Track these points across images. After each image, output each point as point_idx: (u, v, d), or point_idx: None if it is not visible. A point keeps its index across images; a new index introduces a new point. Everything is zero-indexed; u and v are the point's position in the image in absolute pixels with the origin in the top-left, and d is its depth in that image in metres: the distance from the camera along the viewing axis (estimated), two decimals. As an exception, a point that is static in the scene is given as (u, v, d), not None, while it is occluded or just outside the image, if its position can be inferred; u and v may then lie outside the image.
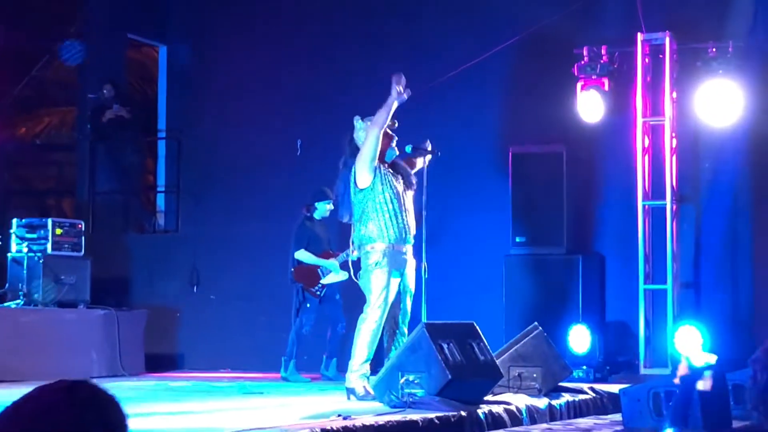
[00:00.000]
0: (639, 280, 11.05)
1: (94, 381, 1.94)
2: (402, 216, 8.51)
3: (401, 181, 8.60)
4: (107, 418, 1.88)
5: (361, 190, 8.48)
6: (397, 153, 8.65)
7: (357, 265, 8.69)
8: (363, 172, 8.45)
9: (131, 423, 1.98)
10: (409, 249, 8.62)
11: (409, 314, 8.65)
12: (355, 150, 8.59)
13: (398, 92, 8.36)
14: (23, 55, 15.30)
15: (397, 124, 8.64)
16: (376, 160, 8.46)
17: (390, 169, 8.60)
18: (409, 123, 8.96)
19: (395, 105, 8.38)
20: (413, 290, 8.66)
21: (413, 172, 8.78)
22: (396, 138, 8.63)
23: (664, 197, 11.10)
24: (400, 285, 8.57)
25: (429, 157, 8.80)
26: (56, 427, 1.82)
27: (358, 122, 8.72)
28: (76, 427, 1.83)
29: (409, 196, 8.65)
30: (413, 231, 8.60)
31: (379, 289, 8.44)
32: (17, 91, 15.69)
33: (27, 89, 15.93)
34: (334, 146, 10.66)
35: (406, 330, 8.56)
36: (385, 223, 8.48)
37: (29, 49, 15.35)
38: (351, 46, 12.97)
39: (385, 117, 8.39)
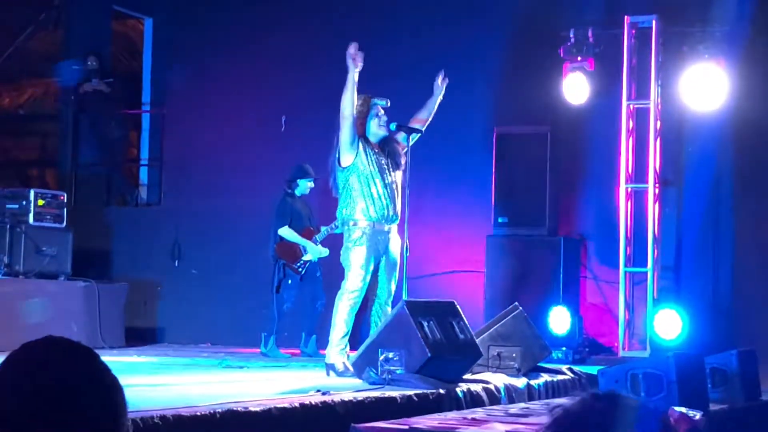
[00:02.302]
0: (620, 263, 11.08)
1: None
2: (385, 195, 8.56)
3: (387, 161, 8.64)
4: (92, 367, 1.88)
5: (344, 168, 8.54)
6: (386, 133, 8.68)
7: (340, 241, 8.74)
8: (344, 152, 8.56)
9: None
10: (393, 228, 8.66)
11: (392, 294, 8.67)
12: None
13: (353, 65, 8.39)
14: (7, 26, 15.22)
15: (389, 104, 8.72)
16: (357, 141, 8.52)
17: (377, 148, 8.65)
18: (395, 103, 8.98)
19: (355, 78, 8.41)
20: (398, 269, 8.67)
21: (403, 152, 8.79)
22: (385, 118, 8.67)
23: (646, 180, 11.13)
24: (382, 263, 8.61)
25: (416, 135, 8.82)
26: (54, 380, 1.81)
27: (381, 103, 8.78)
28: (68, 379, 1.83)
29: (396, 176, 8.69)
30: (398, 210, 8.63)
31: (358, 266, 8.50)
32: (1, 62, 15.60)
33: (11, 60, 15.84)
34: (318, 123, 10.67)
35: (389, 310, 8.57)
36: (366, 201, 8.55)
37: (13, 19, 15.26)
38: (337, 23, 12.93)
39: (349, 99, 8.43)
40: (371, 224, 8.54)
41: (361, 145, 8.55)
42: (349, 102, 8.45)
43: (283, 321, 11.21)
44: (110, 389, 1.87)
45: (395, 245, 8.67)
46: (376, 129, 8.66)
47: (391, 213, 8.60)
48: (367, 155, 8.56)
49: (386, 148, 8.71)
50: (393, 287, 8.69)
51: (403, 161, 8.74)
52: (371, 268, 8.55)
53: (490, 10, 12.04)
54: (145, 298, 13.18)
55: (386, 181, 8.59)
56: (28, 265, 11.48)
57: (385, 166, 8.61)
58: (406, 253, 8.62)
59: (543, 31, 11.56)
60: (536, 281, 11.24)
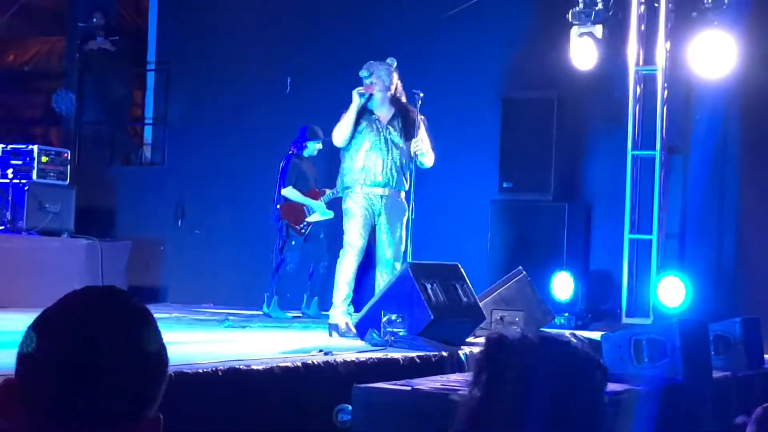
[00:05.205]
0: (624, 230, 11.04)
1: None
2: (382, 161, 8.75)
3: (390, 129, 8.74)
4: (145, 315, 1.82)
5: None
6: (382, 103, 8.82)
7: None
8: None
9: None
10: (391, 192, 8.73)
11: (399, 256, 8.70)
12: None
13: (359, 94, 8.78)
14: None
15: (395, 64, 8.81)
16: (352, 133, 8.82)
17: (381, 118, 8.82)
18: (401, 67, 8.98)
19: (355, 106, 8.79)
20: (398, 236, 8.72)
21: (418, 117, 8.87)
22: (377, 86, 8.78)
23: (653, 147, 11.07)
24: (380, 226, 8.71)
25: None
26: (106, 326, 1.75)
27: (363, 74, 8.86)
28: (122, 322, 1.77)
29: (400, 143, 8.80)
30: (395, 175, 8.74)
31: (351, 229, 8.73)
32: (6, 19, 15.52)
33: (16, 17, 15.76)
34: (323, 84, 10.64)
35: (380, 276, 8.65)
36: (362, 166, 8.76)
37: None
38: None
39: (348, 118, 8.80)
40: (364, 188, 8.75)
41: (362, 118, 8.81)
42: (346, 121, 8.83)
43: (286, 282, 11.20)
44: (159, 353, 1.80)
45: (394, 209, 8.71)
46: (378, 102, 8.82)
47: (387, 178, 8.70)
48: (367, 126, 8.77)
49: (396, 117, 8.82)
50: (395, 250, 8.72)
51: (420, 126, 8.77)
52: (366, 230, 8.72)
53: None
54: (148, 257, 13.15)
55: (385, 149, 8.73)
56: (31, 221, 11.47)
57: (387, 135, 8.72)
58: (411, 215, 8.64)
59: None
60: (540, 246, 11.21)
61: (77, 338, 1.73)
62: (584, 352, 2.32)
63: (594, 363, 2.31)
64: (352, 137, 8.78)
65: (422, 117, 8.91)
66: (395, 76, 8.90)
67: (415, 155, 8.81)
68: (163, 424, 1.79)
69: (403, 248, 8.75)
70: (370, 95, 8.79)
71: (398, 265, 8.68)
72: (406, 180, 8.87)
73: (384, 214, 8.73)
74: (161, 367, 1.79)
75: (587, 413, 2.26)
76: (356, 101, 8.72)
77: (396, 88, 8.89)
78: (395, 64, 8.94)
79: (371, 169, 8.75)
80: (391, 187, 8.76)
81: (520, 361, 2.23)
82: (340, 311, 8.54)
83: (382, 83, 8.82)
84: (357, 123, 8.77)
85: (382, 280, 8.61)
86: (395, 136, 8.78)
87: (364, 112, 8.82)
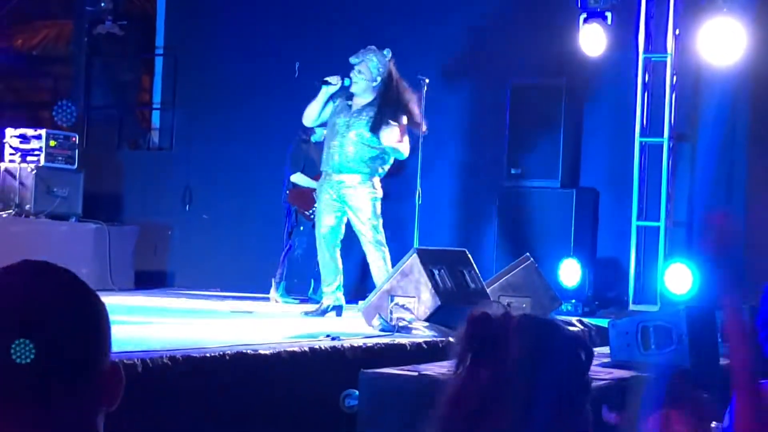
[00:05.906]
0: (632, 217, 11.03)
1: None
2: (337, 146, 8.91)
3: (354, 114, 8.85)
4: (70, 289, 1.77)
5: None
6: (361, 91, 8.94)
7: None
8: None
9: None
10: (344, 179, 8.81)
11: (368, 238, 8.84)
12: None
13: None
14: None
15: (390, 55, 8.89)
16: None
17: (353, 104, 9.00)
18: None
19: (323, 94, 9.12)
20: (365, 220, 8.82)
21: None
22: (360, 75, 8.94)
23: (661, 134, 11.05)
24: (347, 210, 8.89)
25: None
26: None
27: (353, 60, 9.07)
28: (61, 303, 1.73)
29: (360, 130, 8.91)
30: (347, 159, 8.91)
31: (318, 212, 9.08)
32: (14, 3, 15.52)
33: (24, 1, 15.77)
34: (331, 69, 10.60)
35: (371, 251, 8.82)
36: (326, 151, 9.08)
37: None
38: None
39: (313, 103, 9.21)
40: (324, 173, 9.06)
41: (334, 102, 9.09)
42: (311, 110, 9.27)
43: (294, 267, 11.20)
44: (91, 315, 1.76)
45: (353, 195, 8.87)
46: (361, 90, 8.91)
47: (343, 165, 8.91)
48: (333, 111, 9.06)
49: (371, 105, 8.91)
50: (365, 230, 8.87)
51: (369, 113, 9.00)
52: (332, 214, 8.94)
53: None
54: (155, 241, 13.17)
55: (343, 135, 8.92)
56: (39, 205, 11.49)
57: (350, 122, 8.84)
58: (418, 201, 8.69)
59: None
60: (547, 233, 11.20)
61: None
62: (568, 331, 2.32)
63: (578, 342, 2.31)
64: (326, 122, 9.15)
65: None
66: (390, 66, 8.93)
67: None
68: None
69: (378, 224, 8.84)
70: (342, 84, 8.95)
71: (382, 242, 8.79)
72: (372, 167, 8.90)
73: (345, 200, 8.91)
74: (87, 319, 1.74)
75: (571, 392, 2.25)
76: (322, 90, 9.00)
77: (387, 79, 8.93)
78: (390, 55, 8.99)
79: (330, 153, 8.98)
80: (348, 174, 8.85)
81: (502, 338, 2.23)
82: (328, 294, 9.03)
83: (369, 72, 8.90)
84: (336, 108, 9.06)
85: (374, 260, 8.83)
86: (361, 124, 8.84)
87: (343, 98, 9.02)
